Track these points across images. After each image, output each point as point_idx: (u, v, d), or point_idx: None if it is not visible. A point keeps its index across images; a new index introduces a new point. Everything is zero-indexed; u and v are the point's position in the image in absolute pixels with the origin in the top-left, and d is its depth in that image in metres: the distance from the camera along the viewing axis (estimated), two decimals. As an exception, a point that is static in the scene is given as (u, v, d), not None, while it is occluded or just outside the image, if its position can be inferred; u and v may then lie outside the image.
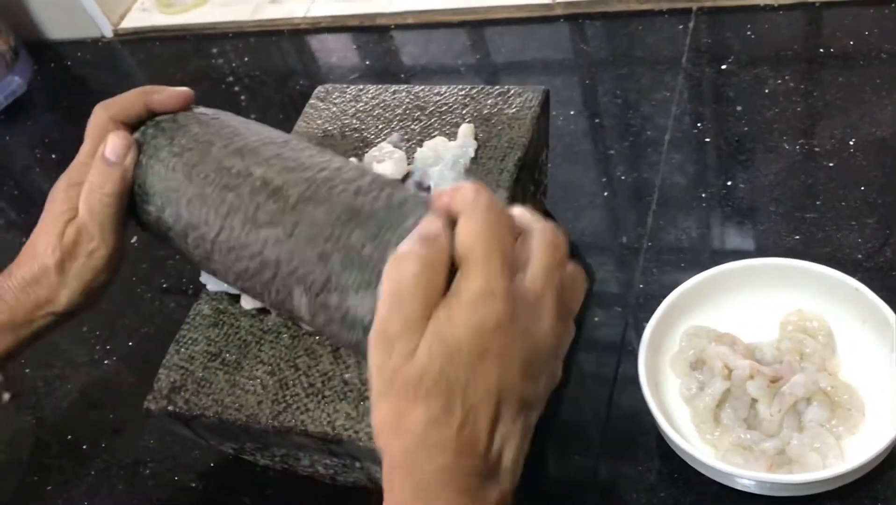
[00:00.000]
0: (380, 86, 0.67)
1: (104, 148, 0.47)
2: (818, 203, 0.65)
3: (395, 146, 0.61)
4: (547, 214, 0.68)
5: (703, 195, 0.69)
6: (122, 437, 0.67)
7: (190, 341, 0.54)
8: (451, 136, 0.60)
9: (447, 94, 0.64)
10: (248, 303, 0.55)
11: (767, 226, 0.65)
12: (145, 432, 0.67)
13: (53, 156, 0.96)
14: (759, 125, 0.72)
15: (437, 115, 0.63)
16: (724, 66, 0.78)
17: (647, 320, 0.57)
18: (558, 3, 0.90)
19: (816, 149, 0.69)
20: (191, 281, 0.77)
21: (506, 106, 0.61)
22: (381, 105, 0.65)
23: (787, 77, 0.75)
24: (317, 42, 1.00)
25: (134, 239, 0.82)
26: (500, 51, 0.90)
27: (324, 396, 0.49)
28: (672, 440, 0.51)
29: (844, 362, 0.55)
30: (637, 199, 0.71)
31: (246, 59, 1.00)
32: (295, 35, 1.01)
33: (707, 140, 0.73)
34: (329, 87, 0.68)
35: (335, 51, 0.99)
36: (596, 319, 0.64)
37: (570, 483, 0.56)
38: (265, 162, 0.43)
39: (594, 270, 0.68)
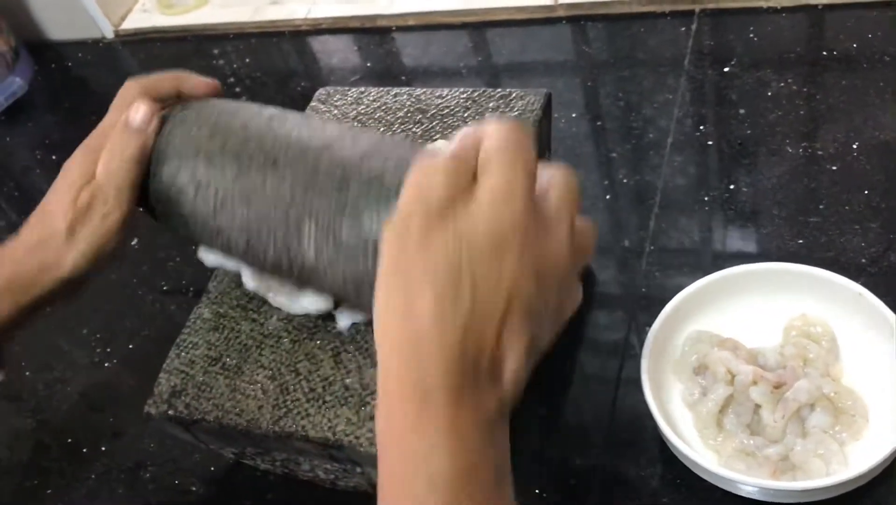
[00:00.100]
0: (381, 88, 0.67)
1: (129, 114, 0.48)
2: (821, 207, 0.65)
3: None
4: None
5: (706, 198, 0.69)
6: (123, 440, 0.67)
7: (190, 345, 0.54)
8: (453, 139, 0.60)
9: (449, 97, 0.64)
10: (250, 281, 0.54)
11: (770, 230, 0.65)
12: (145, 436, 0.66)
13: (54, 157, 0.95)
14: (761, 128, 0.72)
15: (439, 118, 0.62)
16: (726, 69, 0.78)
17: (650, 324, 0.56)
18: (560, 4, 0.89)
19: (819, 152, 0.69)
20: (191, 283, 0.76)
21: (508, 109, 0.61)
22: (383, 108, 0.65)
23: (789, 80, 0.75)
24: (318, 43, 1.00)
25: (135, 241, 0.82)
26: (501, 52, 0.90)
27: (325, 402, 0.49)
28: (674, 446, 0.51)
29: (848, 368, 0.54)
30: (639, 202, 0.71)
31: (247, 60, 1.00)
32: (296, 36, 1.01)
33: (710, 143, 0.73)
34: (330, 89, 0.68)
35: (336, 52, 0.99)
36: (598, 321, 0.64)
37: (572, 486, 0.55)
38: (291, 123, 0.46)
39: (596, 272, 0.67)
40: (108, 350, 0.74)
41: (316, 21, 1.00)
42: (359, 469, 0.51)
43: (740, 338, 0.56)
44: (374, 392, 0.49)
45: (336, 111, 0.66)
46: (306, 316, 0.53)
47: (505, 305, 0.34)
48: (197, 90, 0.51)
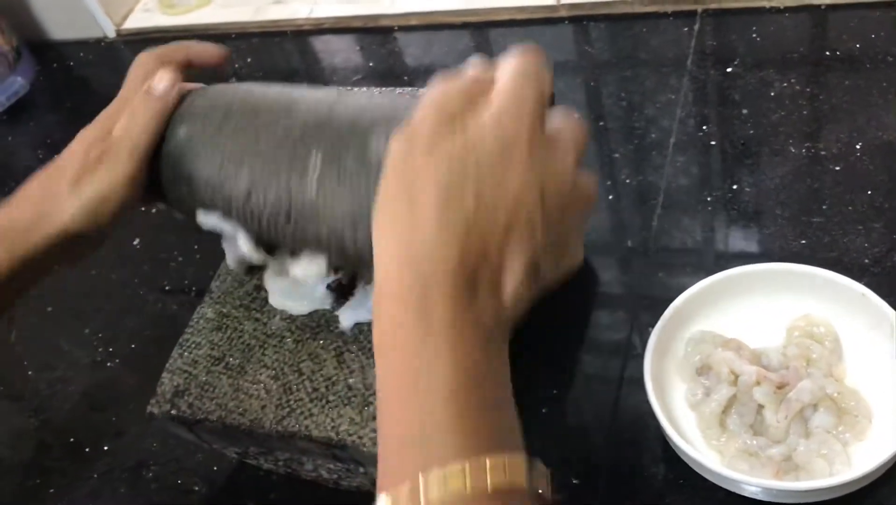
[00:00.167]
0: (384, 88, 0.67)
1: (152, 82, 0.48)
2: (824, 207, 0.65)
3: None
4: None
5: (709, 198, 0.69)
6: (125, 439, 0.67)
7: (193, 345, 0.54)
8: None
9: (452, 96, 0.64)
10: (244, 245, 0.51)
11: (773, 230, 0.65)
12: (148, 435, 0.66)
13: (56, 156, 0.95)
14: (764, 128, 0.72)
15: (442, 117, 0.62)
16: (729, 69, 0.77)
17: (652, 324, 0.56)
18: (562, 4, 0.89)
19: (823, 152, 0.69)
20: (193, 283, 0.77)
21: (511, 109, 0.61)
22: (386, 107, 0.65)
23: (792, 80, 0.75)
24: (320, 43, 1.00)
25: (136, 241, 0.82)
26: (503, 52, 0.89)
27: (328, 401, 0.49)
28: (677, 446, 0.51)
29: (851, 368, 0.54)
30: (642, 202, 0.71)
31: (249, 59, 1.00)
32: (298, 36, 1.01)
33: (712, 143, 0.73)
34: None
35: (338, 52, 0.99)
36: (601, 321, 0.64)
37: (574, 487, 0.55)
38: (308, 88, 0.49)
39: (599, 272, 0.67)
40: (110, 350, 0.74)
41: (318, 21, 1.00)
42: (362, 469, 0.51)
43: (743, 338, 0.56)
44: (376, 392, 0.49)
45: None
46: (309, 316, 0.53)
47: (508, 217, 0.34)
48: (206, 56, 0.52)
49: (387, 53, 0.95)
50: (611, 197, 0.72)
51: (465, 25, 0.93)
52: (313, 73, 0.97)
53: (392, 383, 0.34)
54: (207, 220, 0.50)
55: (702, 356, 0.56)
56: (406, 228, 0.34)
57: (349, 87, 0.66)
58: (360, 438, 0.47)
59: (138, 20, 1.10)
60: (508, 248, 0.34)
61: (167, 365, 0.54)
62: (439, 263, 0.33)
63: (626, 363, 0.60)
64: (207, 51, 0.52)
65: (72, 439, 0.69)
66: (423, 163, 0.34)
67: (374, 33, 0.97)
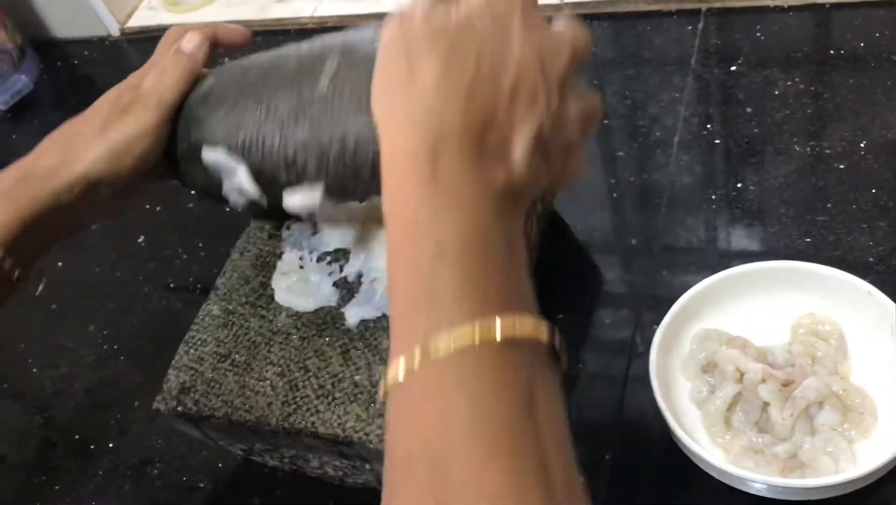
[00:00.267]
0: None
1: (182, 42, 0.50)
2: (829, 206, 0.65)
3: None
4: (556, 216, 0.68)
5: (713, 197, 0.69)
6: (129, 437, 0.67)
7: (199, 342, 0.54)
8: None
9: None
10: (245, 182, 0.50)
11: (778, 228, 0.65)
12: (152, 432, 0.66)
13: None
14: (768, 127, 0.72)
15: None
16: (733, 68, 0.77)
17: (657, 322, 0.56)
18: (566, 3, 0.89)
19: (827, 151, 0.69)
20: (197, 280, 0.77)
21: (516, 107, 0.61)
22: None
23: (797, 79, 0.75)
24: (324, 42, 1.00)
25: (141, 238, 0.82)
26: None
27: (334, 398, 0.49)
28: (683, 443, 0.51)
29: (856, 366, 0.54)
30: (646, 201, 0.71)
31: (253, 58, 1.00)
32: (302, 34, 1.00)
33: (717, 141, 0.73)
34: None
35: (342, 50, 0.99)
36: (605, 320, 0.64)
37: (580, 485, 0.55)
38: None
39: (603, 271, 0.67)
40: (115, 347, 0.74)
41: (322, 19, 1.00)
42: (368, 466, 0.51)
43: (748, 336, 0.56)
44: (383, 389, 0.49)
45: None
46: (315, 313, 0.54)
47: (511, 83, 0.34)
48: (232, 35, 0.53)
49: (390, 52, 0.95)
50: (615, 195, 0.72)
51: (468, 24, 0.93)
52: (317, 72, 0.97)
53: (400, 247, 0.33)
54: (211, 154, 0.50)
55: (707, 354, 0.56)
56: (409, 97, 0.34)
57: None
58: (366, 434, 0.47)
59: (142, 18, 1.10)
60: (515, 115, 0.34)
61: (173, 362, 0.54)
62: (445, 126, 0.33)
63: (631, 361, 0.60)
64: (234, 31, 0.54)
65: (76, 437, 0.69)
66: (420, 30, 0.34)
67: (377, 32, 0.97)
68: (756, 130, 0.72)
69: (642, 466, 0.55)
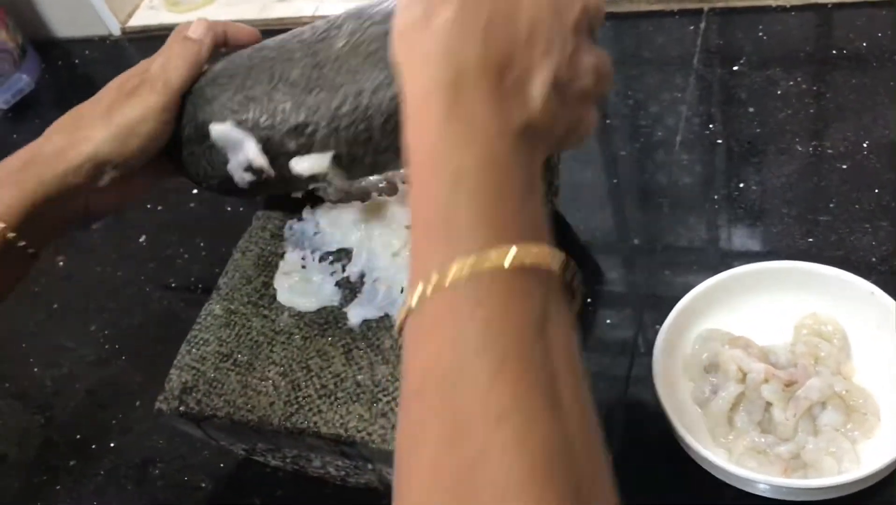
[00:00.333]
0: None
1: (187, 29, 0.51)
2: (831, 206, 0.65)
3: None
4: (558, 216, 0.68)
5: (715, 197, 0.69)
6: (131, 437, 0.67)
7: (201, 342, 0.54)
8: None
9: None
10: (252, 151, 0.50)
11: (780, 228, 0.65)
12: (154, 432, 0.66)
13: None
14: (770, 127, 0.72)
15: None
16: (735, 67, 0.77)
17: (659, 322, 0.56)
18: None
19: (829, 151, 0.69)
20: (199, 280, 0.77)
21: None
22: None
23: (799, 79, 0.75)
24: (325, 41, 1.00)
25: (142, 238, 0.82)
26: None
27: (336, 398, 0.49)
28: (686, 443, 0.51)
29: (859, 366, 0.54)
30: (648, 201, 0.71)
31: (254, 57, 1.00)
32: (303, 34, 1.01)
33: (718, 141, 0.73)
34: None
35: (343, 50, 0.99)
36: (608, 320, 0.64)
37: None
38: None
39: (605, 271, 0.67)
40: (116, 347, 0.74)
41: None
42: (370, 466, 0.51)
43: (751, 336, 0.56)
44: (385, 389, 0.49)
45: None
46: (317, 313, 0.53)
47: (527, 28, 0.35)
48: (241, 34, 0.54)
49: (392, 52, 0.95)
50: (617, 196, 0.72)
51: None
52: (318, 72, 0.97)
53: (420, 179, 0.34)
54: (218, 128, 0.50)
55: (710, 354, 0.56)
56: (428, 38, 0.34)
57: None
58: (368, 434, 0.47)
59: (143, 18, 1.10)
60: (532, 56, 0.35)
61: (175, 361, 0.54)
62: (464, 63, 0.34)
63: (633, 361, 0.60)
64: (243, 30, 0.55)
65: (77, 437, 0.69)
66: None
67: (379, 31, 0.97)
68: (758, 130, 0.72)
69: (645, 467, 0.55)
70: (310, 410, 0.49)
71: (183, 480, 0.63)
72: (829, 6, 0.80)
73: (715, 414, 0.53)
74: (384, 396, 0.48)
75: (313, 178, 0.49)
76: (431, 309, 0.31)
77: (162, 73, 0.50)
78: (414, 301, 0.31)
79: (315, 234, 0.57)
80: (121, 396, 0.70)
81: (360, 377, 0.50)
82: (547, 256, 0.32)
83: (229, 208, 0.82)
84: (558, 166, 0.67)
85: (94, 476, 0.65)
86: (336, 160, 0.48)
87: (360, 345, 0.51)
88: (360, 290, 0.53)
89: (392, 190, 0.56)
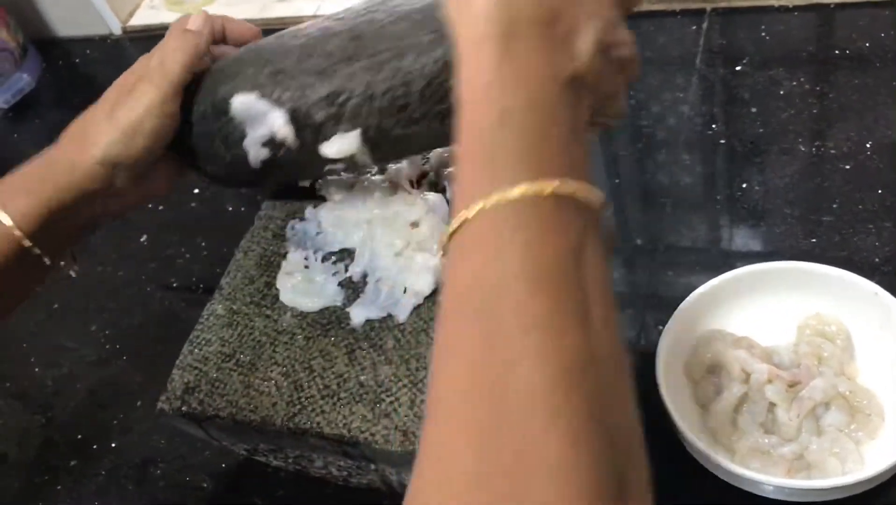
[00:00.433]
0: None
1: (185, 22, 0.51)
2: (834, 206, 0.65)
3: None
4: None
5: (718, 197, 0.69)
6: (131, 437, 0.67)
7: (203, 342, 0.54)
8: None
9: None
10: (279, 121, 0.50)
11: (783, 228, 0.65)
12: (154, 432, 0.66)
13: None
14: (773, 127, 0.72)
15: (452, 115, 0.62)
16: (738, 68, 0.77)
17: (661, 323, 0.56)
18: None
19: (832, 151, 0.69)
20: (200, 280, 0.76)
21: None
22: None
23: (801, 79, 0.74)
24: (326, 41, 1.00)
25: (143, 238, 0.82)
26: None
27: (339, 399, 0.49)
28: (689, 443, 0.51)
29: (863, 367, 0.54)
30: (651, 201, 0.70)
31: (255, 57, 1.00)
32: (304, 34, 1.01)
33: (721, 142, 0.73)
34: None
35: (345, 50, 0.99)
36: (610, 321, 0.64)
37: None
38: None
39: (607, 271, 0.67)
40: (117, 347, 0.74)
41: (324, 18, 1.00)
42: (373, 466, 0.51)
43: (754, 337, 0.56)
44: (388, 389, 0.49)
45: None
46: (320, 313, 0.53)
47: None
48: (241, 30, 0.54)
49: (393, 51, 0.95)
50: (619, 196, 0.72)
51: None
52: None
53: (468, 117, 0.35)
54: (242, 99, 0.49)
55: (713, 355, 0.55)
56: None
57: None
58: (371, 434, 0.47)
59: (144, 17, 1.10)
60: (579, 14, 0.36)
61: (177, 361, 0.54)
62: (517, 13, 0.35)
63: (636, 362, 0.60)
64: (242, 26, 0.55)
65: (78, 437, 0.69)
66: None
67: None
68: (761, 130, 0.72)
69: (648, 467, 0.54)
70: (312, 410, 0.49)
71: (184, 480, 0.63)
72: (832, 6, 0.79)
73: (718, 415, 0.53)
74: (387, 396, 0.48)
75: (330, 161, 0.49)
76: (474, 231, 0.33)
77: (161, 66, 0.50)
78: (457, 224, 0.33)
79: (317, 234, 0.57)
80: (121, 395, 0.70)
81: (362, 377, 0.50)
82: (587, 190, 0.34)
83: (230, 208, 0.82)
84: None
85: (94, 476, 0.65)
86: (364, 134, 0.47)
87: (362, 345, 0.51)
88: (362, 290, 0.53)
89: (393, 190, 0.56)
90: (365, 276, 0.54)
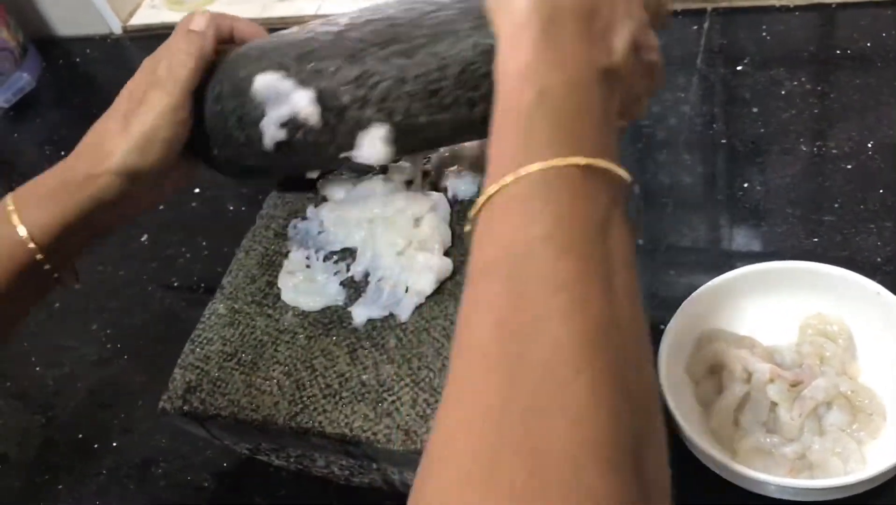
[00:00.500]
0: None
1: (190, 22, 0.51)
2: (836, 206, 0.65)
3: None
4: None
5: (719, 197, 0.69)
6: (133, 436, 0.67)
7: (205, 341, 0.54)
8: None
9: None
10: (303, 100, 0.48)
11: (785, 228, 0.65)
12: (156, 432, 0.66)
13: (62, 153, 0.94)
14: (774, 127, 0.72)
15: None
16: (739, 67, 0.77)
17: (663, 322, 0.56)
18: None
19: (833, 151, 0.69)
20: (201, 280, 0.76)
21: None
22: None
23: (803, 79, 0.74)
24: (327, 40, 1.00)
25: (144, 237, 0.82)
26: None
27: (341, 398, 0.49)
28: (691, 443, 0.51)
29: (865, 366, 0.54)
30: (652, 201, 0.70)
31: (255, 57, 1.00)
32: (305, 33, 1.01)
33: (722, 141, 0.73)
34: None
35: (345, 49, 0.98)
36: (611, 320, 0.64)
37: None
38: None
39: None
40: (118, 346, 0.74)
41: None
42: (375, 465, 0.51)
43: (756, 336, 0.56)
44: (390, 389, 0.48)
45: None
46: (322, 312, 0.53)
47: None
48: (247, 31, 0.54)
49: (394, 51, 0.95)
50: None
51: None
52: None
53: (506, 97, 0.37)
54: (265, 78, 0.48)
55: (714, 354, 0.55)
56: None
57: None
58: (374, 434, 0.47)
59: (145, 16, 1.10)
60: (615, 13, 0.38)
61: (179, 361, 0.54)
62: (558, 5, 0.37)
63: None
64: (250, 26, 0.55)
65: (79, 436, 0.68)
66: None
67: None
68: (762, 130, 0.72)
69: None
70: (314, 409, 0.49)
71: (185, 479, 0.63)
72: (833, 6, 0.80)
73: (720, 414, 0.53)
74: (389, 395, 0.48)
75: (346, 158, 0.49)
76: (506, 199, 0.34)
77: (168, 72, 0.49)
78: (492, 192, 0.34)
79: (319, 233, 0.57)
80: (122, 395, 0.70)
81: (364, 377, 0.49)
82: (616, 167, 0.35)
83: (231, 208, 0.81)
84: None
85: (95, 476, 0.65)
86: (388, 118, 0.47)
87: (364, 344, 0.51)
88: (364, 289, 0.53)
89: (395, 189, 0.56)
90: (367, 275, 0.54)
